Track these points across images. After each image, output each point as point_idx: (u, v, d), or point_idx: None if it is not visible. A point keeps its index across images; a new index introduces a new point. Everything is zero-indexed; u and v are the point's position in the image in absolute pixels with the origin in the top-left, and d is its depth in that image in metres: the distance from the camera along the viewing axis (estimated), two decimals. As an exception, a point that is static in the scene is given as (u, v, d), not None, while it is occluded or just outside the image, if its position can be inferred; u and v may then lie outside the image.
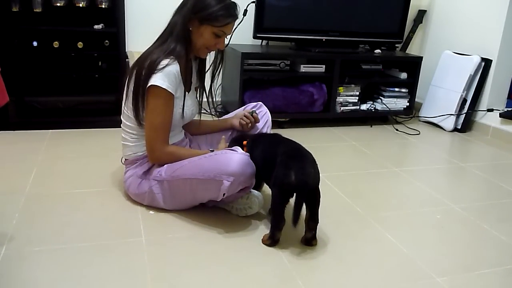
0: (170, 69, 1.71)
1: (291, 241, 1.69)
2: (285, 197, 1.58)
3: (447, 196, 2.23)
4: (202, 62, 1.97)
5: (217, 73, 1.95)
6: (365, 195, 2.17)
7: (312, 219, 1.63)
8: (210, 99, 1.99)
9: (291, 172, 1.55)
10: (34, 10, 2.71)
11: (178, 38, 1.76)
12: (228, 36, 1.86)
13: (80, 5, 2.77)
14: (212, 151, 1.79)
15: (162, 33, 1.81)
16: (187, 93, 1.85)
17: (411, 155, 2.94)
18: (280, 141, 1.77)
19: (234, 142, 1.91)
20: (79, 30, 2.84)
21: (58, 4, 2.74)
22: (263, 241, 1.67)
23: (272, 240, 1.65)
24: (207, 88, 1.99)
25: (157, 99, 1.72)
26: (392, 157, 2.77)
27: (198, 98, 2.00)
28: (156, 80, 1.69)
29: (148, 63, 1.71)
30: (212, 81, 1.96)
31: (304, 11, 3.21)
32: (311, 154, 1.65)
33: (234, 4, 1.79)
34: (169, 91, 1.71)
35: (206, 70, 1.99)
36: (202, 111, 2.04)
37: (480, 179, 2.50)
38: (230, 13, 1.76)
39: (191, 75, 1.91)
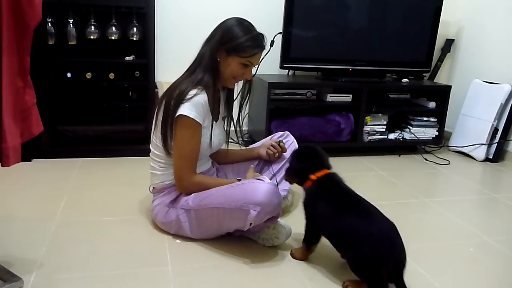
0: (198, 99, 1.74)
1: (319, 274, 1.66)
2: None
3: (480, 228, 2.16)
4: (230, 92, 2.00)
5: (244, 103, 1.97)
6: (394, 226, 2.12)
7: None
8: (237, 128, 2.01)
9: (389, 259, 1.48)
10: (69, 43, 2.82)
11: (206, 69, 1.79)
12: (256, 66, 1.88)
13: (113, 37, 2.87)
14: (239, 180, 1.79)
15: (191, 64, 1.84)
16: (214, 122, 1.87)
17: (441, 185, 2.88)
18: (356, 207, 1.61)
19: (293, 174, 1.80)
20: (111, 61, 2.93)
21: (92, 37, 2.84)
22: None
23: None
24: (235, 118, 2.01)
25: (185, 128, 1.75)
26: (422, 187, 2.71)
27: (225, 128, 2.01)
28: (184, 109, 1.71)
29: (177, 93, 1.74)
30: (240, 111, 1.98)
31: (331, 41, 3.24)
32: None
33: (262, 35, 1.81)
34: (197, 121, 1.74)
35: (233, 99, 2.02)
36: (229, 140, 2.06)
37: (514, 211, 2.42)
38: (257, 44, 1.79)
39: (219, 105, 1.94)
